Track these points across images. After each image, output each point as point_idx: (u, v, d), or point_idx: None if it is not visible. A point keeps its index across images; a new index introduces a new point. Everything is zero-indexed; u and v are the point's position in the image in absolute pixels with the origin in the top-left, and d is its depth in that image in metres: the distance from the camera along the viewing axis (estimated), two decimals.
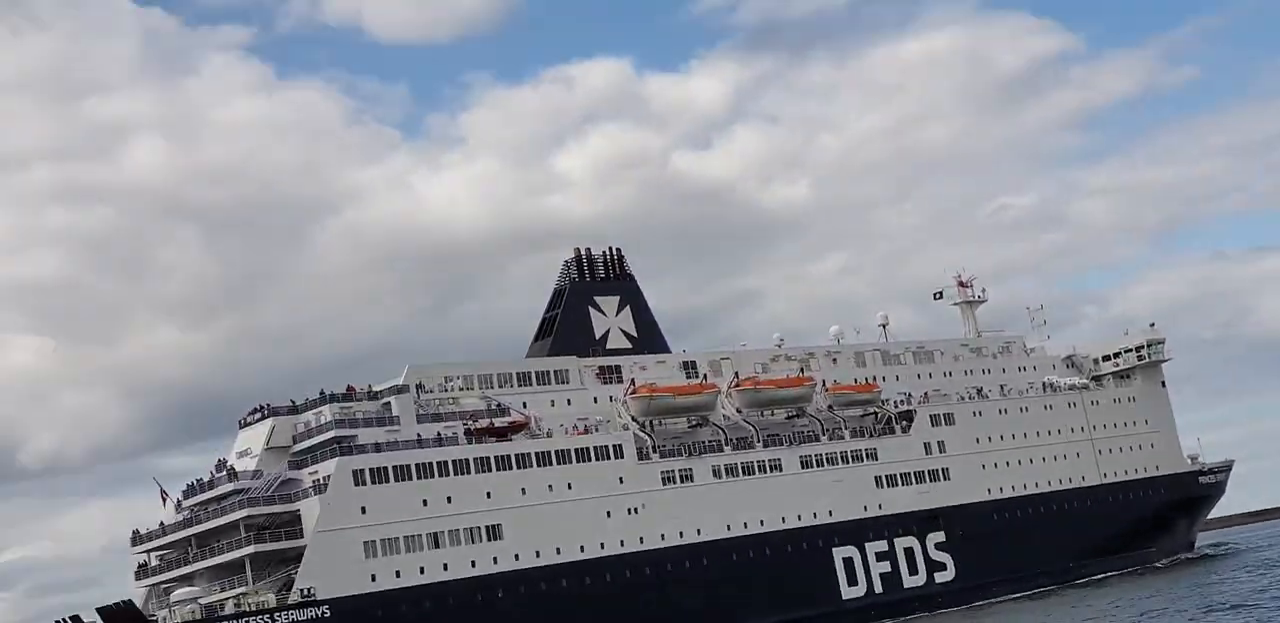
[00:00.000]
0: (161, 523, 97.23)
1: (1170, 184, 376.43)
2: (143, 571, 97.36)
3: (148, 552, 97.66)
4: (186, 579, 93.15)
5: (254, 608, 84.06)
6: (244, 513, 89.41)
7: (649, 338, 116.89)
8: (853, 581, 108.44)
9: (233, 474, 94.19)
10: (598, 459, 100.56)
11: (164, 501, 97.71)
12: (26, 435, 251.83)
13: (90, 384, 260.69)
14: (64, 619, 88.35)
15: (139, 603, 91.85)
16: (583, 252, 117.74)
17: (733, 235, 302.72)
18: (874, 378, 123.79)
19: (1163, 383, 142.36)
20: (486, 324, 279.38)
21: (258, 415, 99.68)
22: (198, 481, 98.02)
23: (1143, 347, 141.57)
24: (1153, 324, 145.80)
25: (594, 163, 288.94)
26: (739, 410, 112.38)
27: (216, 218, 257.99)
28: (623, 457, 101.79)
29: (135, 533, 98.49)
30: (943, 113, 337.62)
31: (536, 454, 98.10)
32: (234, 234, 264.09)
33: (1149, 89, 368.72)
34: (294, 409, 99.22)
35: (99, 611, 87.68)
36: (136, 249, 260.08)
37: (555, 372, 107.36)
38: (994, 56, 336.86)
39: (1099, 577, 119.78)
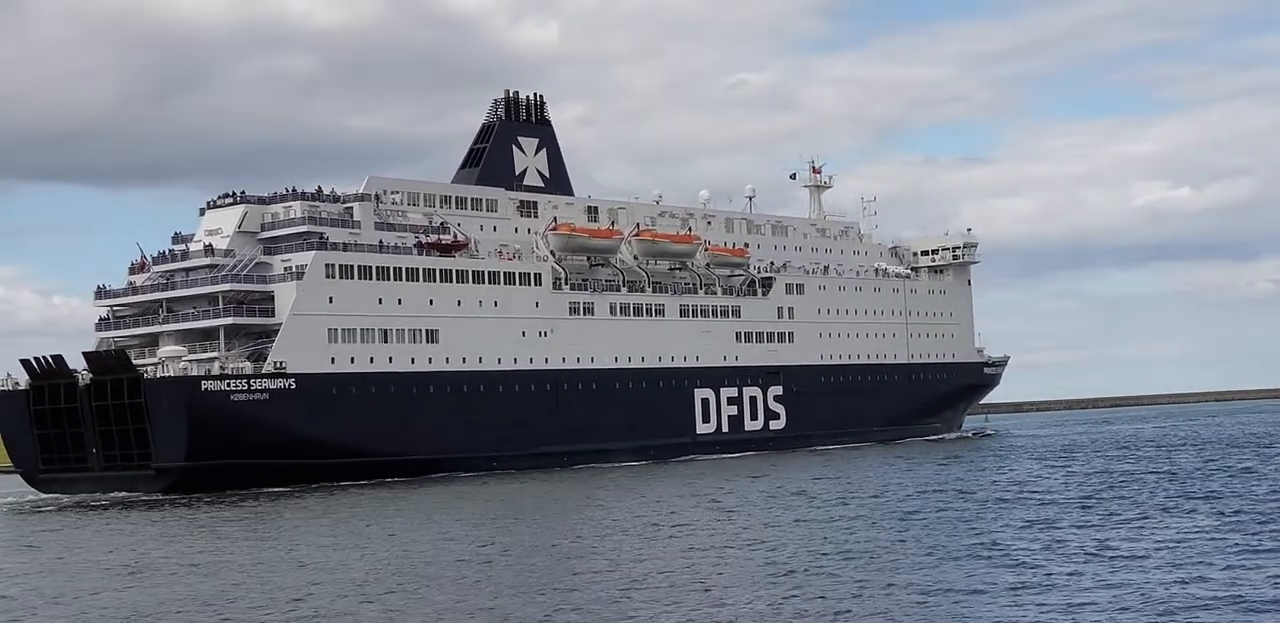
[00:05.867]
0: (131, 284, 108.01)
1: (899, 84, 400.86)
2: (104, 323, 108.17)
3: (110, 307, 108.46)
4: (151, 338, 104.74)
5: (234, 372, 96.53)
6: (226, 287, 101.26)
7: (559, 180, 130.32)
8: (706, 418, 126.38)
9: (209, 251, 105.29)
10: (520, 285, 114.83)
11: (143, 266, 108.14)
12: None
13: None
14: (45, 358, 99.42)
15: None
16: (510, 94, 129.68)
17: (473, 70, 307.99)
18: (740, 244, 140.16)
19: (969, 282, 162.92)
20: (211, 121, 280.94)
21: (228, 201, 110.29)
22: (169, 251, 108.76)
23: (959, 248, 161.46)
24: (969, 230, 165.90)
25: None
26: (635, 258, 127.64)
27: None
28: (541, 285, 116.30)
29: (100, 289, 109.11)
30: None
31: (473, 273, 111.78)
32: None
33: None
34: (262, 200, 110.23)
35: (87, 355, 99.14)
36: None
37: (487, 201, 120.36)
38: None
39: (895, 441, 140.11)
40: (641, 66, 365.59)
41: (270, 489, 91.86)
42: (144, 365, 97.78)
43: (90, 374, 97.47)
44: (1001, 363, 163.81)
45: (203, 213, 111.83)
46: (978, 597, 35.26)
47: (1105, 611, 32.82)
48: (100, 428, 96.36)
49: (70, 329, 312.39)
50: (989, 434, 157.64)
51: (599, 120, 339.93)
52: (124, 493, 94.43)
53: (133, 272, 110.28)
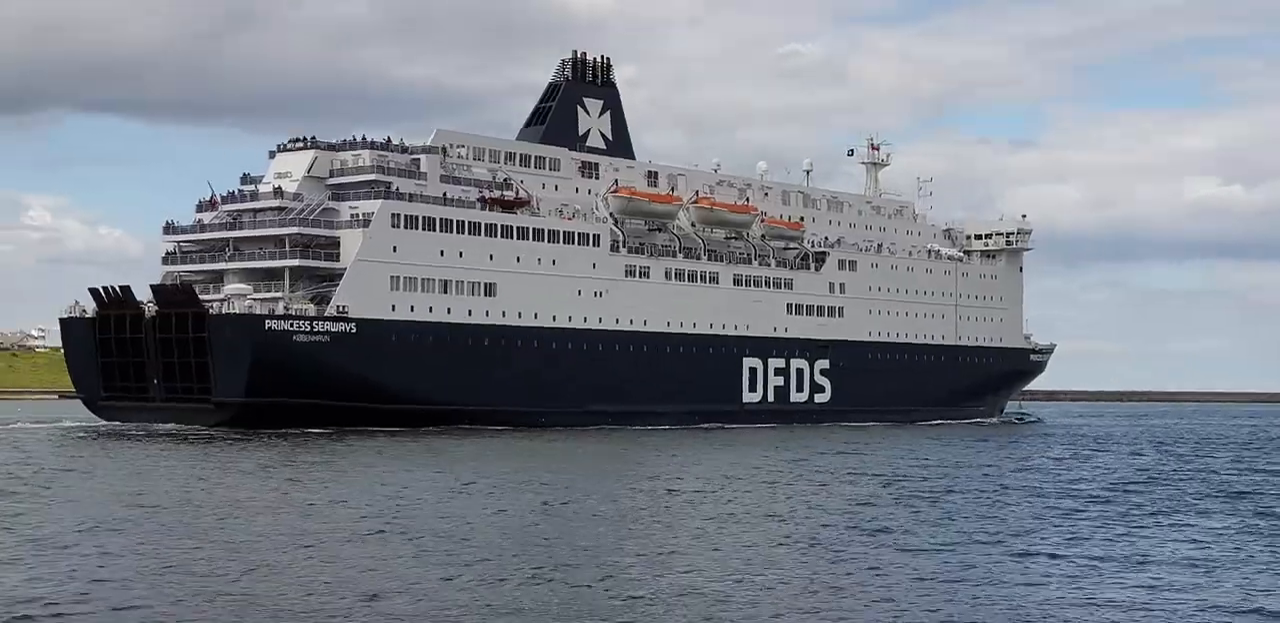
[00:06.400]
0: (199, 221, 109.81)
1: (953, 62, 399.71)
2: (170, 257, 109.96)
3: (177, 242, 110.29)
4: (215, 275, 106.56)
5: (297, 314, 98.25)
6: (294, 230, 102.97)
7: (621, 143, 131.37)
8: (753, 388, 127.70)
9: (279, 193, 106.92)
10: (579, 244, 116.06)
11: (211, 204, 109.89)
12: None
13: None
14: (113, 288, 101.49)
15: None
16: (578, 54, 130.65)
17: (525, 25, 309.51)
18: (795, 217, 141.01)
19: (1020, 268, 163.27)
20: (262, 63, 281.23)
21: (300, 145, 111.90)
22: (238, 190, 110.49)
23: (1013, 233, 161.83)
24: (1024, 216, 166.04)
25: None
26: (693, 224, 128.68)
27: None
28: (599, 246, 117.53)
29: (169, 224, 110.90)
30: None
31: (534, 230, 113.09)
32: None
33: None
34: (332, 146, 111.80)
35: (154, 288, 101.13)
36: None
37: (550, 159, 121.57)
38: None
39: (936, 422, 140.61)
40: (694, 31, 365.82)
41: (318, 431, 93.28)
42: (209, 302, 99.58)
43: (156, 307, 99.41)
44: (1048, 351, 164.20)
45: (272, 155, 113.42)
46: (984, 584, 33.85)
47: (1110, 608, 31.24)
48: (163, 360, 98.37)
49: (114, 259, 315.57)
50: (1031, 421, 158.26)
51: (647, 83, 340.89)
52: (181, 425, 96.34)
53: (200, 209, 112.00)
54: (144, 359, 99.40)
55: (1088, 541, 42.60)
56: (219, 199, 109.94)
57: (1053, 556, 38.97)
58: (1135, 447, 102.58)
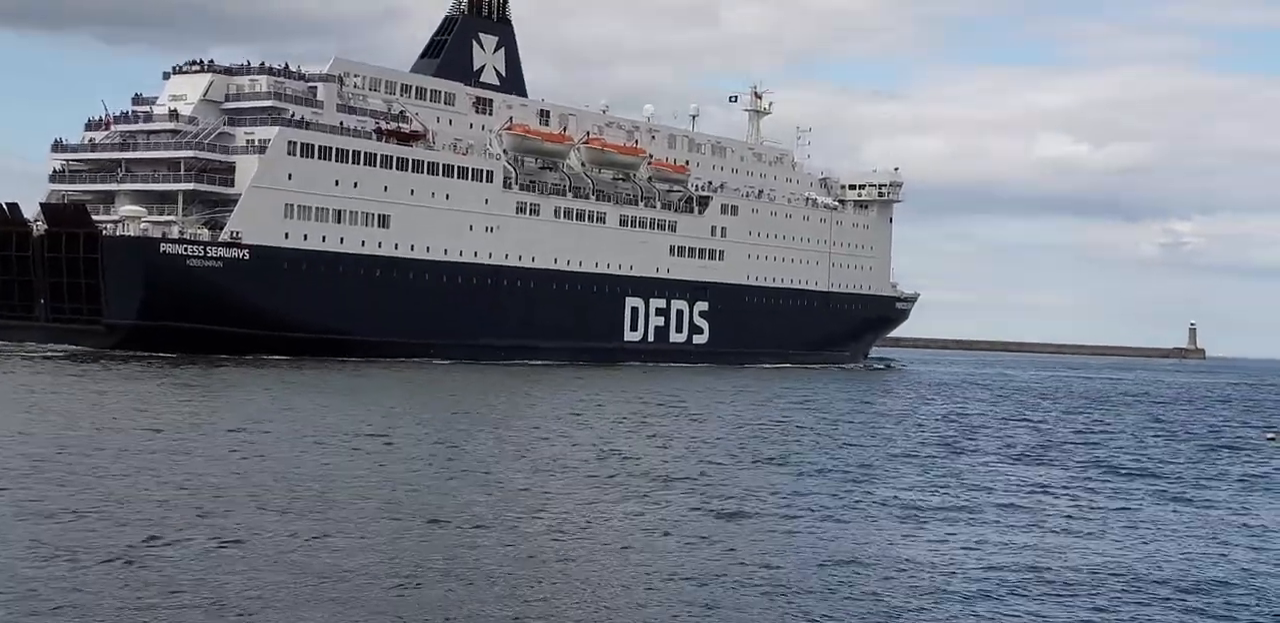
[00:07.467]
0: (92, 140, 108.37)
1: (823, 10, 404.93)
2: (59, 176, 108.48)
3: (66, 161, 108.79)
4: (105, 195, 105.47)
5: (192, 238, 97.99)
6: (189, 153, 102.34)
7: (515, 80, 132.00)
8: (634, 327, 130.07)
9: (174, 115, 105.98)
10: (473, 180, 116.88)
11: (102, 123, 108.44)
12: None
13: None
14: None
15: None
16: None
17: None
18: (681, 160, 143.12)
19: (890, 219, 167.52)
20: None
21: (195, 68, 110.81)
22: (130, 111, 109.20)
23: (885, 185, 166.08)
24: (896, 169, 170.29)
25: None
26: (583, 164, 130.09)
27: None
28: (492, 181, 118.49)
29: (58, 142, 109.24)
30: None
31: (429, 164, 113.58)
32: None
33: None
34: (229, 70, 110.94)
35: (44, 206, 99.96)
36: None
37: (445, 93, 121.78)
38: None
39: (804, 366, 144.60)
40: None
41: (209, 355, 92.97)
42: (101, 223, 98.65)
43: (45, 226, 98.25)
44: (912, 300, 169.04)
45: (167, 77, 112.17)
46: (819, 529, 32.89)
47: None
48: (50, 280, 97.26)
49: None
50: (893, 367, 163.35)
51: (513, 16, 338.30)
52: (69, 346, 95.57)
53: (90, 127, 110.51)
54: (30, 278, 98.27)
55: (931, 488, 41.58)
56: (110, 118, 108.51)
57: (885, 502, 37.82)
58: (973, 392, 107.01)
